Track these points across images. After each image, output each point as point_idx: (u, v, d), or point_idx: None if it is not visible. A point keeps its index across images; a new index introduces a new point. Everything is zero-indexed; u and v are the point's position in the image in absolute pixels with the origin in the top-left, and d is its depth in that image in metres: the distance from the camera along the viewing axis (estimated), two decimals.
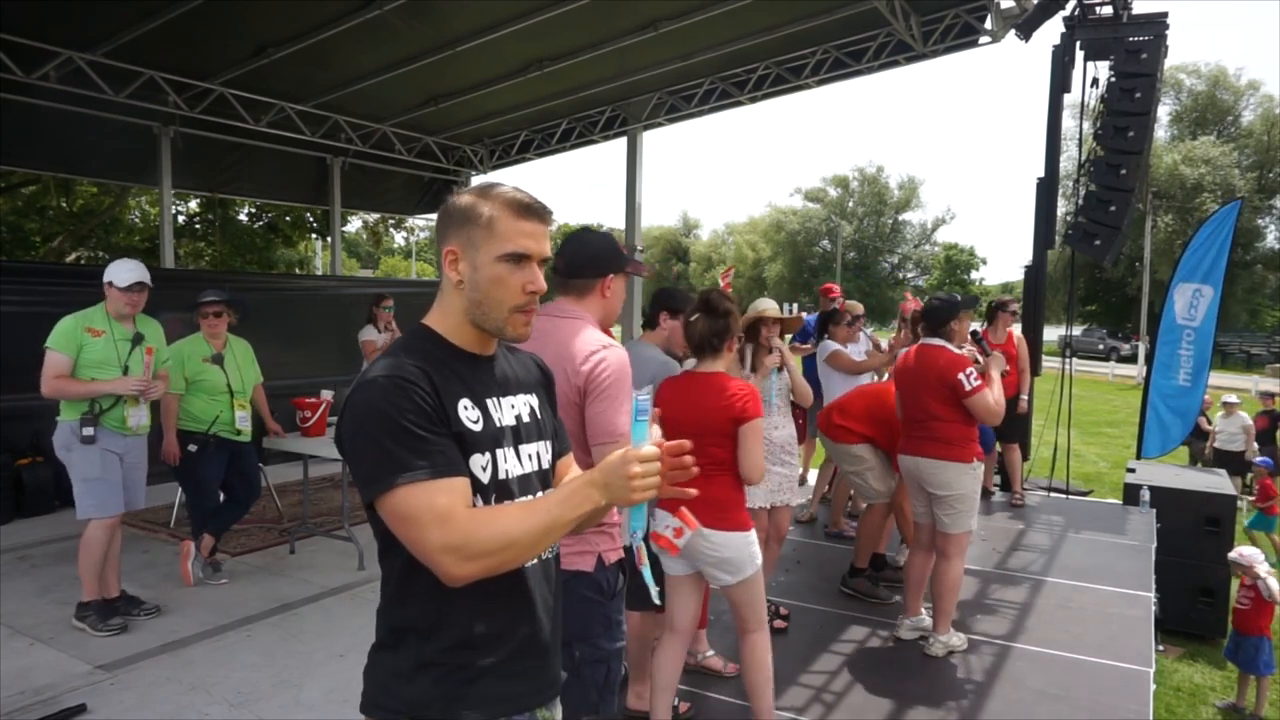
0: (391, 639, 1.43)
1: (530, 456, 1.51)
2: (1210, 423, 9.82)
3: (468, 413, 1.41)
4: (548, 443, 1.58)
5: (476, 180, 12.06)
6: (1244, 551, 5.06)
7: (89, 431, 4.19)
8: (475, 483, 1.39)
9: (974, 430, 3.87)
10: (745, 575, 2.82)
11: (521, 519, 1.33)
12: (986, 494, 6.46)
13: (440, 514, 1.28)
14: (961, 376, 3.73)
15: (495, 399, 1.48)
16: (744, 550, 2.81)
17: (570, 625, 2.12)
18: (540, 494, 1.52)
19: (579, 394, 2.16)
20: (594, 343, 2.19)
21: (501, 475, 1.45)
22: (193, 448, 4.81)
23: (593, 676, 2.23)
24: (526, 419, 1.53)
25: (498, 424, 1.46)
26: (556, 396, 1.73)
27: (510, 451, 1.48)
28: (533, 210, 1.46)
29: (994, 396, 3.77)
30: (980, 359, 3.98)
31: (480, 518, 1.32)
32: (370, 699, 1.46)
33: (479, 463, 1.41)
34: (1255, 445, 9.81)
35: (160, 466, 5.03)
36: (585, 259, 2.31)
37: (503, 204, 1.43)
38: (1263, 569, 4.91)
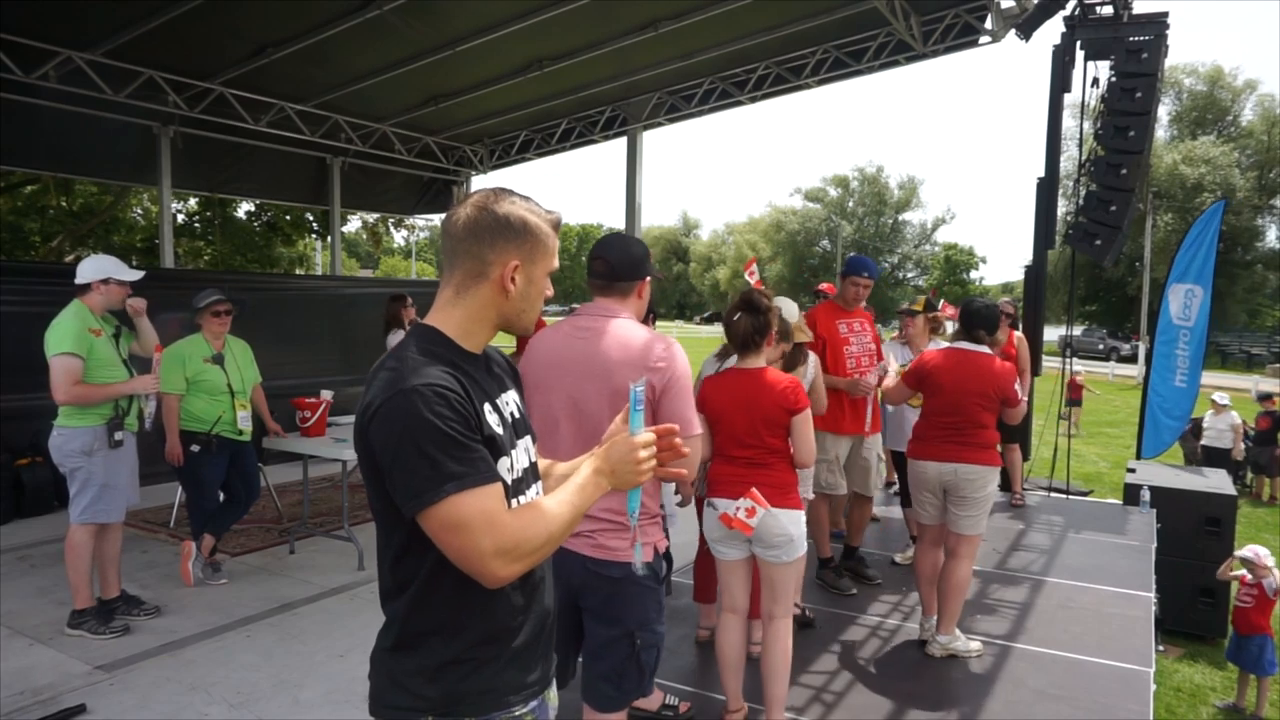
0: (410, 640, 1.42)
1: (525, 452, 1.53)
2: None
3: (491, 416, 1.42)
4: (530, 436, 1.60)
5: (477, 181, 12.05)
6: (1257, 550, 4.99)
7: (120, 436, 4.16)
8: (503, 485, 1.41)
9: None
10: (799, 554, 3.02)
11: (556, 515, 1.38)
12: None
13: (490, 519, 1.30)
14: (1016, 387, 3.83)
15: (499, 399, 1.49)
16: (801, 528, 3.03)
17: (631, 614, 2.27)
18: (536, 488, 1.55)
19: (653, 390, 2.22)
20: (660, 340, 2.30)
21: (516, 474, 1.47)
22: (195, 448, 4.80)
23: (648, 660, 2.34)
24: (518, 415, 1.55)
25: (509, 423, 1.48)
26: (616, 387, 2.03)
27: (516, 450, 1.50)
28: (559, 228, 1.56)
29: None
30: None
31: (523, 518, 1.36)
32: (384, 700, 1.44)
33: (504, 465, 1.43)
34: (1244, 445, 9.82)
35: (161, 467, 5.03)
36: (630, 263, 2.41)
37: (548, 221, 1.51)
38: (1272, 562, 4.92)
